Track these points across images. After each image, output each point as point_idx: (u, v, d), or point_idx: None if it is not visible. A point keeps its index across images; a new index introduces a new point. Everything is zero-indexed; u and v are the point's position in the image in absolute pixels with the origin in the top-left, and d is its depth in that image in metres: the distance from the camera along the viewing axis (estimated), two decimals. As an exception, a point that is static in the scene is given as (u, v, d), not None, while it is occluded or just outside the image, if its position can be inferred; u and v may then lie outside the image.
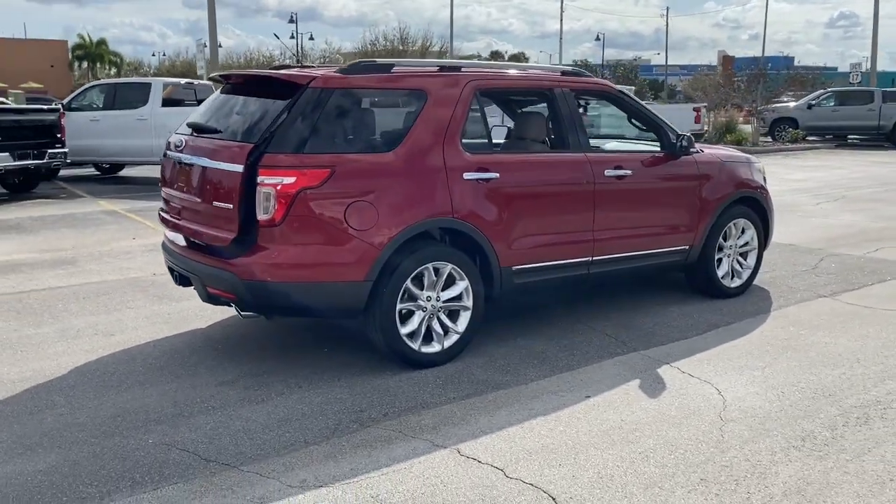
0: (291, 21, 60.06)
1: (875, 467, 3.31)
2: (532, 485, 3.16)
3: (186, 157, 4.56)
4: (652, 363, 4.61)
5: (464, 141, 4.64)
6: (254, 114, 4.36)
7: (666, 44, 67.31)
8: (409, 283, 4.36)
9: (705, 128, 22.15)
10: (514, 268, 4.79)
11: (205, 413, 3.90)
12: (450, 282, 4.56)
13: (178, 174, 4.69)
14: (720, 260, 6.01)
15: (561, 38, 54.77)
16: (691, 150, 5.57)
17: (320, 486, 3.16)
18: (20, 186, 12.70)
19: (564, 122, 5.11)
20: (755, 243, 6.19)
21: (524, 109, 6.17)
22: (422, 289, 4.45)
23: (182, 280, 4.73)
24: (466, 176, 4.53)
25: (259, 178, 4.04)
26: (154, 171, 12.38)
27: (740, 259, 6.16)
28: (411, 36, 47.36)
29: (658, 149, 5.63)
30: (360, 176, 4.22)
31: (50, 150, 12.28)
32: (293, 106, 4.18)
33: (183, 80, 15.85)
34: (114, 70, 65.49)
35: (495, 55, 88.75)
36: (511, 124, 6.17)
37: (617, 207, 5.26)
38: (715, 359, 4.66)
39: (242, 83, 4.62)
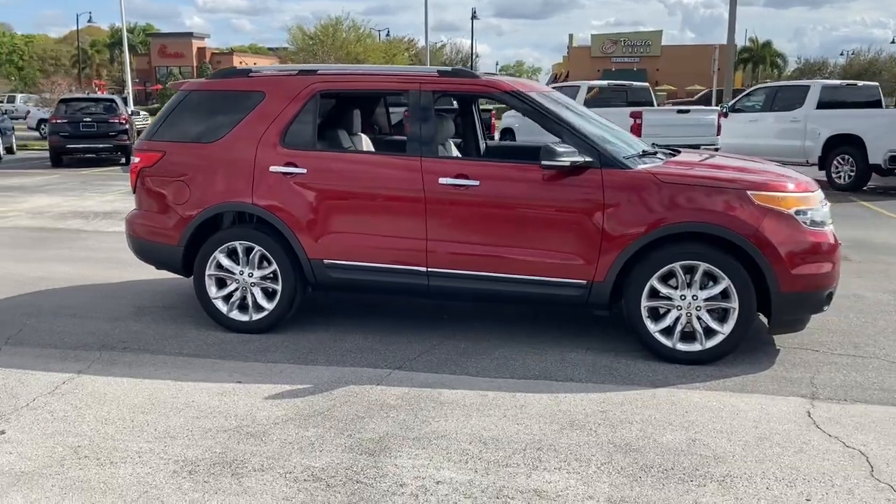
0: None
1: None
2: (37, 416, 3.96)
3: None
4: (378, 380, 4.34)
5: (288, 138, 5.02)
6: None
7: None
8: (218, 255, 5.12)
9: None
10: (326, 261, 4.96)
11: (58, 317, 5.51)
12: (267, 262, 5.10)
13: None
14: (664, 312, 4.60)
15: None
16: (548, 162, 4.46)
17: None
18: None
19: (411, 124, 4.89)
20: (734, 302, 4.45)
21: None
22: (237, 263, 5.13)
23: None
24: (273, 169, 4.98)
25: (132, 158, 5.46)
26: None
27: (706, 318, 4.54)
28: None
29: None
30: (182, 161, 5.19)
31: None
32: (166, 105, 5.41)
33: (844, 83, 15.64)
34: (775, 71, 65.54)
35: None
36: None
37: (458, 220, 4.73)
38: (426, 399, 4.07)
39: None
